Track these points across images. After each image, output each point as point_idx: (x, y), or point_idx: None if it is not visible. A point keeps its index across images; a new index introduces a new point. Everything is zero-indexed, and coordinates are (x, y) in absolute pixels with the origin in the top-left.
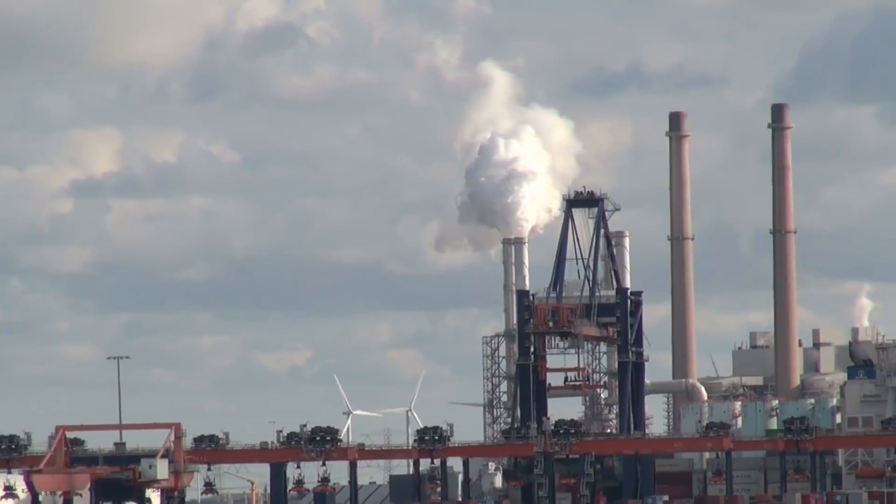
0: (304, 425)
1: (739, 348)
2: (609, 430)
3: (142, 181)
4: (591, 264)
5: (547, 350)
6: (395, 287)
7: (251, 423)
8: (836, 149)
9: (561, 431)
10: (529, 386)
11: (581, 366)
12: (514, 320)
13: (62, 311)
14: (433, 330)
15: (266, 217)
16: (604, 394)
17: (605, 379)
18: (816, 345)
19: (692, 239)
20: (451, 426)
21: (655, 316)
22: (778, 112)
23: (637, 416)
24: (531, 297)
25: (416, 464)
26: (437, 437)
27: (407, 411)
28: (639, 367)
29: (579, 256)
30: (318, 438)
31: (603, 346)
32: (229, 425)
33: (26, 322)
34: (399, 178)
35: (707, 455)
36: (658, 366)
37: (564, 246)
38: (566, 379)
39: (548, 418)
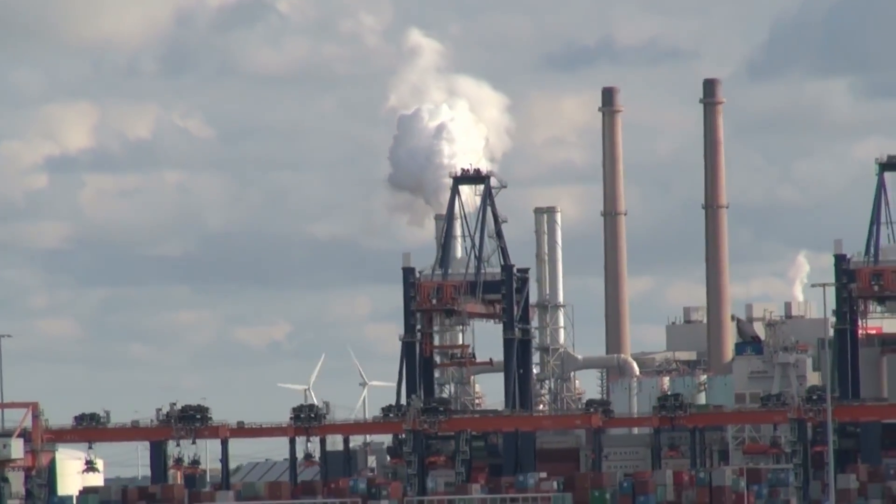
0: (174, 404)
1: (673, 323)
2: (542, 406)
3: (117, 156)
4: (478, 242)
5: (433, 327)
6: (371, 261)
7: (231, 398)
8: (808, 122)
9: (430, 409)
10: (415, 363)
11: (465, 343)
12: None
13: (38, 287)
14: None
15: (241, 192)
16: (536, 369)
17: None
18: (751, 319)
19: (625, 214)
20: (326, 403)
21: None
22: (710, 87)
23: (525, 393)
24: (417, 275)
25: (293, 442)
26: (313, 416)
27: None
28: (525, 344)
29: (467, 234)
30: (187, 417)
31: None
32: (209, 400)
33: (2, 298)
34: (373, 151)
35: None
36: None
37: (451, 223)
38: (451, 356)
39: (418, 396)
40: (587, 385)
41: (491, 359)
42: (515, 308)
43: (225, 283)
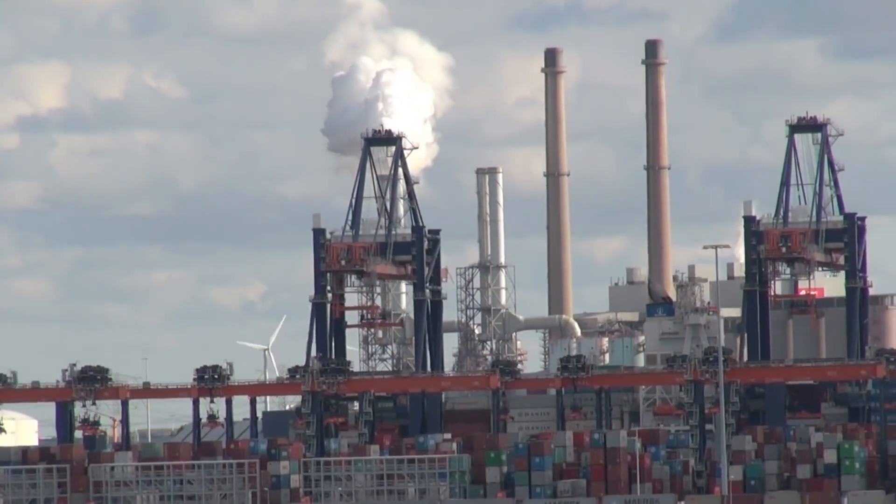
0: (74, 364)
1: (616, 284)
2: (481, 368)
3: (88, 116)
4: (389, 203)
5: (345, 288)
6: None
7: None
8: (778, 83)
9: (329, 370)
10: (326, 324)
11: (375, 304)
12: (489, 252)
13: (11, 247)
14: None
15: (213, 151)
16: (477, 330)
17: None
18: (692, 279)
19: (567, 175)
20: (230, 364)
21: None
22: (652, 48)
23: (435, 353)
24: (328, 236)
25: (196, 403)
26: (216, 376)
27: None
28: (436, 306)
29: (378, 195)
30: (87, 378)
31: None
32: (183, 360)
33: None
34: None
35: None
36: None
37: (362, 184)
38: (362, 317)
39: (316, 358)
40: (530, 346)
41: (401, 319)
42: (426, 269)
43: (198, 243)
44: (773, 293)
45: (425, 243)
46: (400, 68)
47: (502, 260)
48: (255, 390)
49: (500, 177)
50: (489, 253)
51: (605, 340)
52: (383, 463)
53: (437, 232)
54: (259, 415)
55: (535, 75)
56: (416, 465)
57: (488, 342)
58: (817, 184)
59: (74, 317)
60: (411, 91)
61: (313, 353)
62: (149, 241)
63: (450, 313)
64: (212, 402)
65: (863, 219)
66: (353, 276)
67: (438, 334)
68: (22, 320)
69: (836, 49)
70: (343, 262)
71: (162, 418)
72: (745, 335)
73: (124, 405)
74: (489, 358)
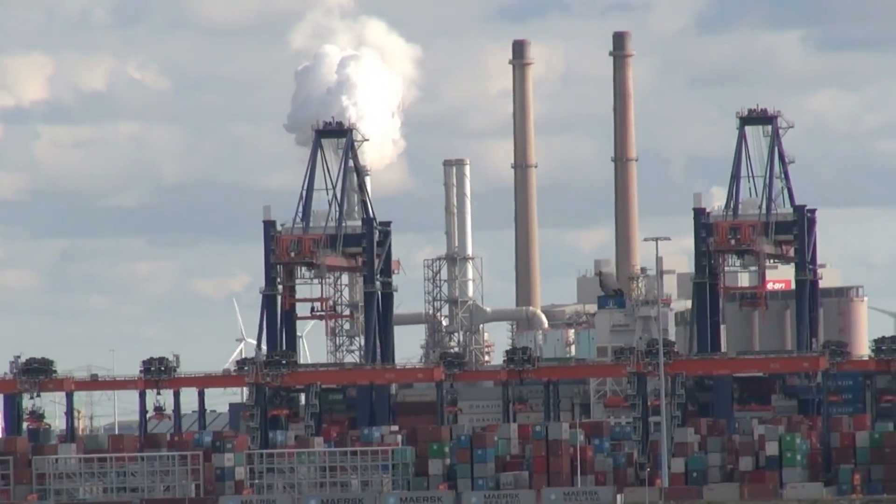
0: (18, 356)
1: (584, 276)
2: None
3: (71, 108)
4: (340, 195)
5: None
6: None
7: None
8: (760, 74)
9: (272, 362)
10: (276, 316)
11: (325, 296)
12: (456, 243)
13: None
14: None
15: (197, 143)
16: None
17: (349, 309)
18: (660, 272)
19: (535, 167)
20: (177, 357)
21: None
22: (620, 40)
23: (385, 345)
24: (279, 228)
25: (143, 395)
26: (162, 368)
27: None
28: (386, 298)
29: (329, 187)
30: (32, 370)
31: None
32: (168, 351)
33: None
34: None
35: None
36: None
37: (313, 176)
38: (312, 309)
39: (260, 349)
40: (497, 337)
41: (352, 311)
42: (377, 261)
43: (182, 234)
44: (723, 285)
45: (376, 235)
46: (365, 59)
47: (470, 252)
48: (202, 382)
49: (467, 168)
50: (456, 244)
51: (572, 332)
52: (327, 455)
53: (387, 224)
54: (227, 406)
55: (504, 67)
56: (358, 457)
57: (455, 334)
58: (767, 176)
59: (59, 308)
60: (377, 83)
61: (264, 345)
62: (133, 232)
63: (417, 305)
64: (158, 394)
65: (813, 211)
66: (304, 269)
67: (389, 326)
68: (6, 311)
69: (818, 41)
70: (293, 255)
71: (132, 409)
72: (695, 327)
73: (69, 397)
74: (456, 349)
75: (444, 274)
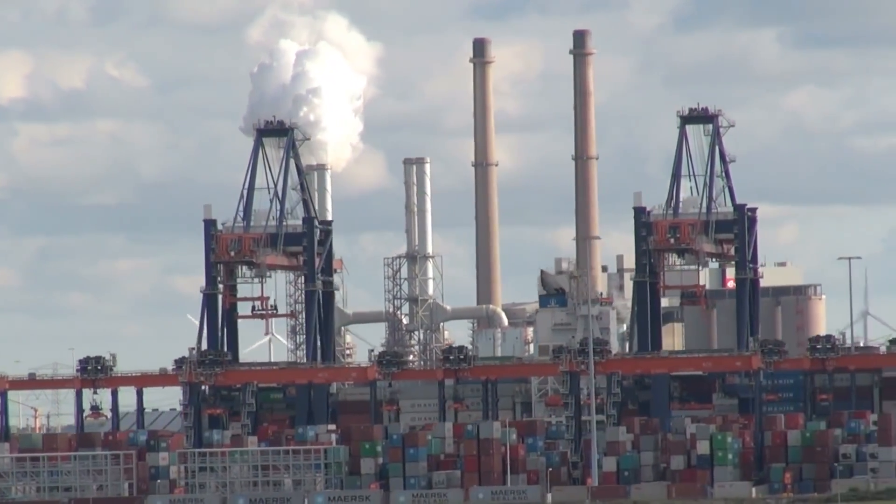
0: None
1: (559, 273)
2: (411, 357)
3: (50, 106)
4: (281, 193)
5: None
6: None
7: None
8: (737, 72)
9: (206, 361)
10: (217, 315)
11: (265, 295)
12: (416, 242)
13: None
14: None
15: (176, 141)
16: (405, 320)
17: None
18: (620, 270)
19: (496, 165)
20: (114, 356)
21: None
22: (580, 38)
23: (326, 344)
24: (220, 227)
25: (79, 394)
26: (99, 367)
27: None
28: (328, 297)
29: (271, 185)
30: None
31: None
32: (150, 349)
33: None
34: None
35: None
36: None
37: (253, 175)
38: (253, 308)
39: (193, 348)
40: (459, 335)
41: (292, 311)
42: (317, 260)
43: (161, 233)
44: (662, 284)
45: (317, 234)
46: (324, 55)
47: (430, 250)
48: (139, 381)
49: (427, 167)
50: (416, 243)
51: (531, 330)
52: (259, 454)
53: (328, 223)
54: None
55: (465, 66)
56: (291, 456)
57: (416, 332)
58: (707, 175)
59: (39, 306)
60: (336, 82)
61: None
62: (112, 230)
63: (377, 303)
64: (95, 392)
65: (754, 210)
66: (244, 267)
67: (330, 325)
68: None
69: (796, 38)
70: (232, 254)
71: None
72: (636, 326)
73: (3, 396)
74: (417, 348)
75: (404, 272)
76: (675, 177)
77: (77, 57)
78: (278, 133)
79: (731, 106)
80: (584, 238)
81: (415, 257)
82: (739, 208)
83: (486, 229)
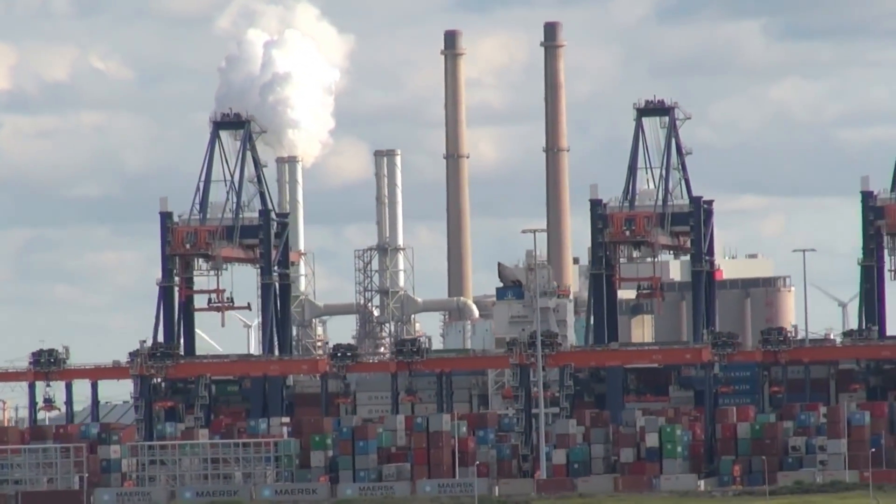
0: None
1: (517, 265)
2: (382, 350)
3: (34, 98)
4: (238, 186)
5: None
6: None
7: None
8: (722, 64)
9: (157, 354)
10: (173, 307)
11: (221, 287)
12: (387, 234)
13: None
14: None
15: (159, 133)
16: (376, 312)
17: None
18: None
19: (467, 157)
20: (66, 349)
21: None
22: (551, 31)
23: (283, 337)
24: (176, 219)
25: (32, 387)
26: (52, 360)
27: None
28: (284, 289)
29: (227, 178)
30: None
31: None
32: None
33: None
34: None
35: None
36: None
37: (210, 168)
38: (209, 301)
39: (145, 341)
40: (430, 328)
41: (248, 303)
42: (274, 253)
43: (146, 224)
44: (618, 276)
45: (273, 227)
46: (293, 46)
47: (401, 242)
48: (92, 374)
49: (398, 159)
50: (387, 235)
51: None
52: (210, 447)
53: (285, 215)
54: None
55: (436, 58)
56: (241, 449)
57: (387, 324)
58: (663, 168)
59: (25, 298)
60: (308, 73)
61: (160, 336)
62: (97, 221)
63: (348, 295)
64: (48, 385)
65: (710, 202)
66: (201, 260)
67: (287, 318)
68: None
69: (780, 30)
70: (188, 246)
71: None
72: (592, 318)
73: None
74: (388, 340)
75: (375, 264)
76: (632, 169)
77: (61, 49)
78: (235, 126)
79: (714, 98)
80: (556, 230)
81: (386, 249)
82: (695, 201)
83: (458, 221)
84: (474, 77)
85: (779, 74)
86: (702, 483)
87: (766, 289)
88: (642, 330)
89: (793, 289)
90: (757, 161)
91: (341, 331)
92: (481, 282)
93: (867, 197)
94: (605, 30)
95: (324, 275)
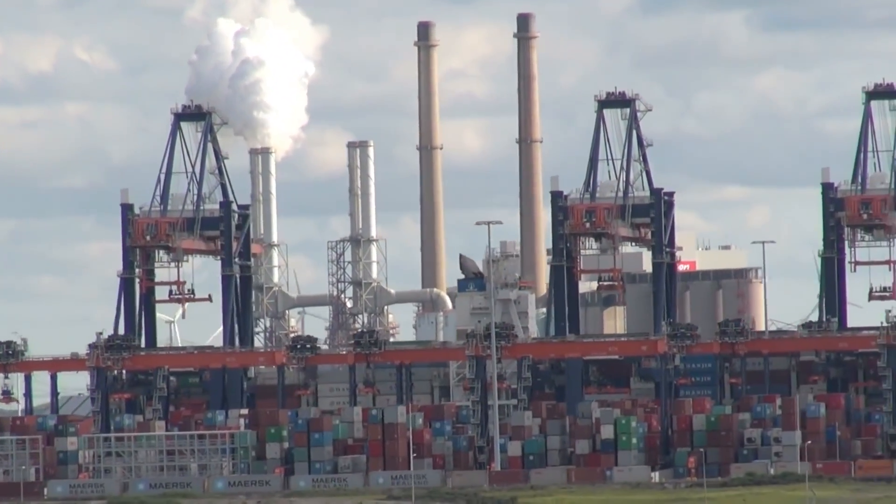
0: None
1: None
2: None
3: (18, 89)
4: (198, 178)
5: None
6: None
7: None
8: (707, 55)
9: (114, 346)
10: (135, 299)
11: (181, 279)
12: (360, 225)
13: None
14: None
15: (144, 123)
16: (349, 303)
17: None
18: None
19: (440, 148)
20: (25, 340)
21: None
22: (524, 22)
23: (244, 329)
24: (137, 211)
25: None
26: (10, 352)
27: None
28: (245, 281)
29: (187, 170)
30: None
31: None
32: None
33: None
34: None
35: None
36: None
37: (171, 160)
38: (170, 292)
39: (101, 332)
40: (403, 319)
41: (210, 295)
42: (235, 244)
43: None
44: (578, 268)
45: (234, 219)
46: (264, 34)
47: (374, 234)
48: (51, 366)
49: (370, 150)
50: (360, 226)
51: None
52: (166, 439)
53: (245, 207)
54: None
55: (410, 49)
56: (197, 441)
57: (360, 316)
58: (624, 159)
59: (10, 289)
60: (280, 65)
61: (121, 327)
62: (82, 212)
63: (321, 287)
64: (6, 377)
65: (671, 194)
66: (161, 252)
67: (248, 309)
68: None
69: (764, 21)
70: (149, 238)
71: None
72: (553, 309)
73: None
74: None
75: (348, 255)
76: (593, 161)
77: (45, 40)
78: (196, 117)
79: (699, 88)
80: (528, 221)
81: (358, 241)
82: (656, 192)
83: (431, 213)
84: (449, 69)
85: (763, 65)
86: (656, 475)
87: (737, 280)
88: (615, 321)
89: (764, 280)
90: (741, 151)
91: (318, 322)
92: (454, 273)
93: (827, 189)
94: (590, 20)
95: (306, 266)
